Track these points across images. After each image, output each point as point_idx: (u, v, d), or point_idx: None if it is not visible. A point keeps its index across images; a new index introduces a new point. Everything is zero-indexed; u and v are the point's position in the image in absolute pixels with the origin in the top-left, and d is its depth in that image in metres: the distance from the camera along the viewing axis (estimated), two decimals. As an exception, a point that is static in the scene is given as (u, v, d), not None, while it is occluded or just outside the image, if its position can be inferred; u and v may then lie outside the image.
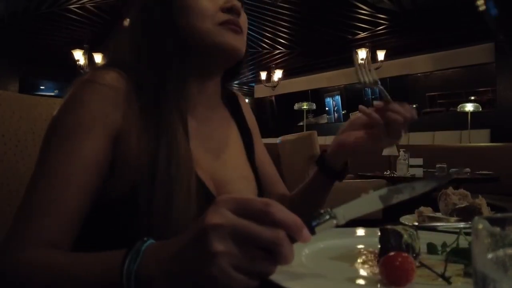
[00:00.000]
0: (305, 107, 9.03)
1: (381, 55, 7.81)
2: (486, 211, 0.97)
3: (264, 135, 1.00)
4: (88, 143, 0.64)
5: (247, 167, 0.86)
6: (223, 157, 0.81)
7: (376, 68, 7.71)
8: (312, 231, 0.45)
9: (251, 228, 0.42)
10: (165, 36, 0.73)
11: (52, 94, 12.22)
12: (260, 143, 0.97)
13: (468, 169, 3.70)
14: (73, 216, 0.62)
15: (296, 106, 9.22)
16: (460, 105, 7.05)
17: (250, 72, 10.69)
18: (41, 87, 12.63)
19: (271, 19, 7.30)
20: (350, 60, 8.82)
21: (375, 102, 0.77)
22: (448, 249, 0.62)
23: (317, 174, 0.87)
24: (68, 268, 0.53)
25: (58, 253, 0.58)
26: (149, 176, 0.65)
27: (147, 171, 0.65)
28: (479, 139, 6.73)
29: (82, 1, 6.69)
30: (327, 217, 0.47)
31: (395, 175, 3.67)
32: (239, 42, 0.75)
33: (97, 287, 0.50)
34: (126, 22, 0.79)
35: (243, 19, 0.77)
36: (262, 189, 0.86)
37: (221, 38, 0.73)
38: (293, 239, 0.43)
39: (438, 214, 1.02)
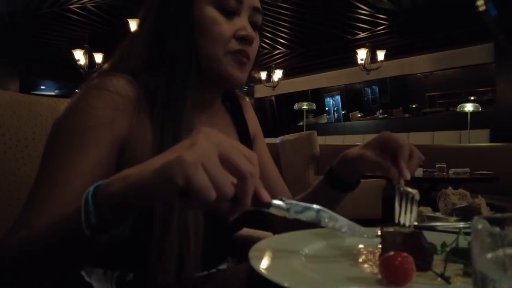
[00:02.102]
0: (305, 107, 9.03)
1: (381, 55, 7.81)
2: (485, 211, 0.97)
3: (264, 135, 1.00)
4: (92, 150, 0.64)
5: None
6: None
7: (377, 68, 7.70)
8: (268, 205, 0.50)
9: (235, 149, 0.45)
10: (181, 48, 0.72)
11: (53, 93, 12.22)
12: (263, 145, 0.97)
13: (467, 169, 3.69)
14: None
15: (296, 106, 9.22)
16: (460, 105, 7.05)
17: (250, 72, 10.69)
18: (42, 87, 12.63)
19: (271, 19, 7.29)
20: (350, 60, 8.82)
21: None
22: (447, 249, 0.62)
23: (326, 187, 0.85)
24: (46, 226, 0.56)
25: None
26: None
27: None
28: (479, 139, 6.73)
29: (82, 1, 6.69)
30: (284, 206, 0.52)
31: (395, 175, 3.65)
32: (243, 75, 0.75)
33: (65, 229, 0.52)
34: (136, 27, 0.78)
35: (255, 45, 0.76)
36: None
37: (226, 68, 0.73)
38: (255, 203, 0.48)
39: (438, 214, 1.02)
